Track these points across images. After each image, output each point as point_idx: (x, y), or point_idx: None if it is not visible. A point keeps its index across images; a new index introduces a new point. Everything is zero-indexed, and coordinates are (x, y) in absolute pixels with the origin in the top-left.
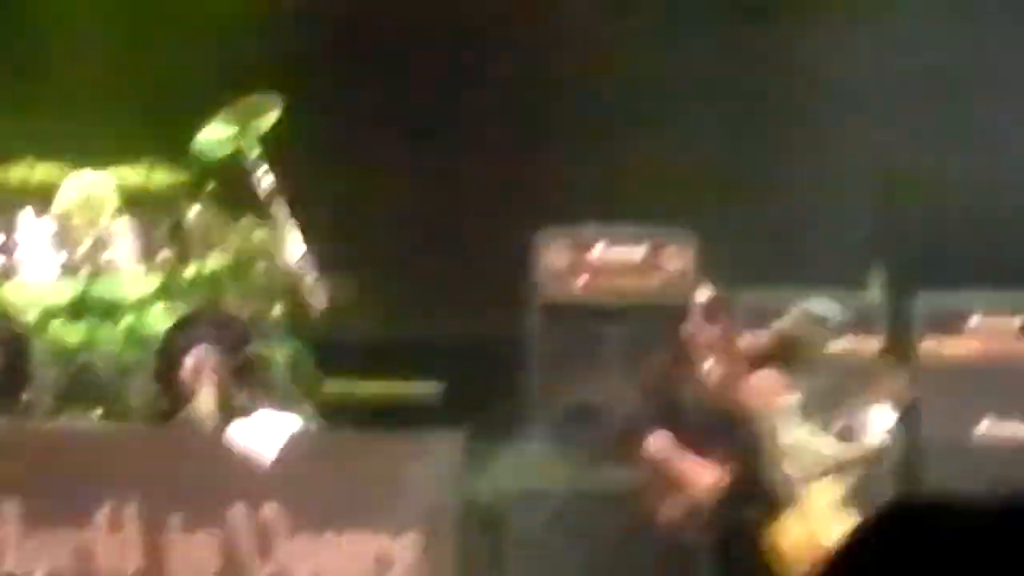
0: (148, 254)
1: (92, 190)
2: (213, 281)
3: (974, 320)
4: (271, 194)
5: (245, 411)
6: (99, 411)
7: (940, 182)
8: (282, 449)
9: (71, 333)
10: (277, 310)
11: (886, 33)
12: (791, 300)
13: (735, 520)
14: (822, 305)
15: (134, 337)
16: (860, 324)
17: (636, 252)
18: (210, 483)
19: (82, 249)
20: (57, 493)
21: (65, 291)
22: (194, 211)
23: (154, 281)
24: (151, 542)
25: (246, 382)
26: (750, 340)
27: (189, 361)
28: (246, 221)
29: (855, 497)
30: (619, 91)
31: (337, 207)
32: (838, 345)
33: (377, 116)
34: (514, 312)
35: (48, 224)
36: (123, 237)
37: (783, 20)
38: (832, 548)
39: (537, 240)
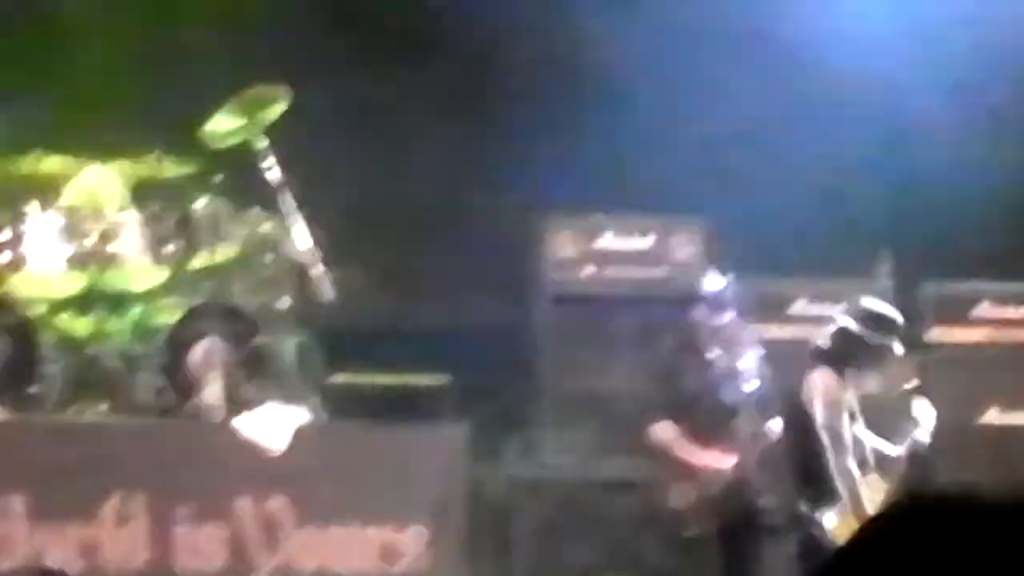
0: (156, 246)
1: (99, 183)
2: (221, 273)
3: (981, 308)
4: (279, 185)
5: (252, 403)
6: (106, 404)
7: (948, 171)
8: (289, 441)
9: (79, 326)
10: (285, 302)
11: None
12: (799, 288)
13: (743, 509)
14: (878, 304)
15: (142, 329)
16: None
17: (644, 241)
18: (217, 475)
19: (90, 241)
20: (65, 486)
21: (73, 284)
22: (201, 203)
23: (162, 273)
24: (158, 535)
25: (254, 374)
26: (811, 337)
27: (197, 353)
28: (254, 213)
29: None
30: (626, 79)
31: (344, 198)
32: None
33: (385, 106)
34: (522, 302)
35: (56, 217)
36: (130, 229)
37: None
38: (842, 544)
39: (545, 229)
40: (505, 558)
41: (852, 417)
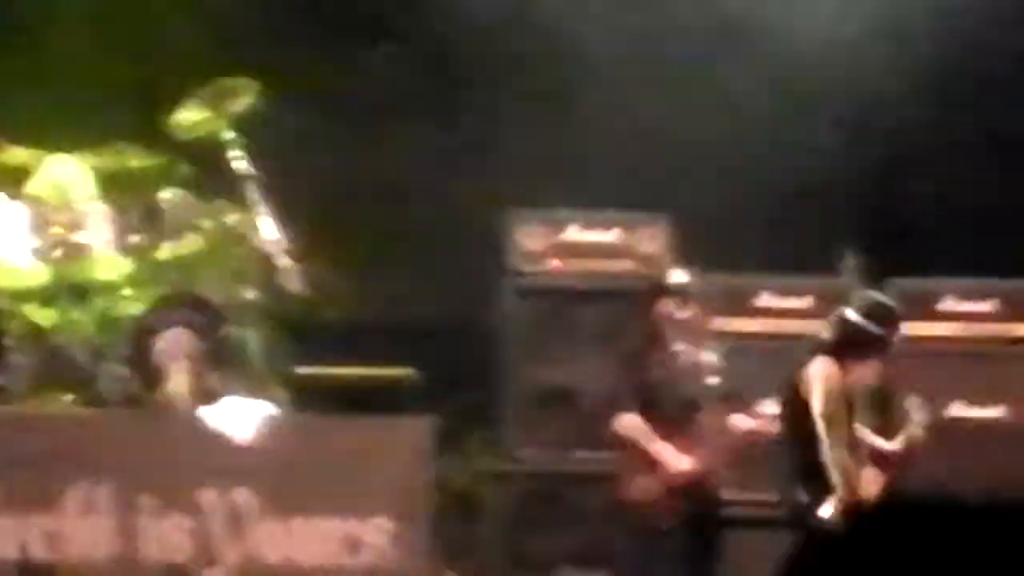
0: (122, 237)
1: (66, 174)
2: (187, 264)
3: (946, 303)
4: (245, 177)
5: (218, 394)
6: (72, 394)
7: (913, 167)
8: (254, 432)
9: (44, 316)
10: (251, 293)
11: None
12: (762, 283)
13: (707, 501)
14: (879, 295)
15: (108, 320)
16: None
17: (610, 235)
18: (182, 466)
19: (56, 233)
20: (29, 476)
21: (39, 275)
22: (168, 194)
23: (128, 264)
24: (123, 526)
25: (219, 365)
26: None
27: (162, 344)
28: (220, 204)
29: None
30: (592, 74)
31: (311, 190)
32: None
33: (351, 99)
34: (488, 295)
35: (21, 208)
36: (97, 220)
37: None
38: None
39: (511, 223)
40: (470, 551)
41: (851, 408)
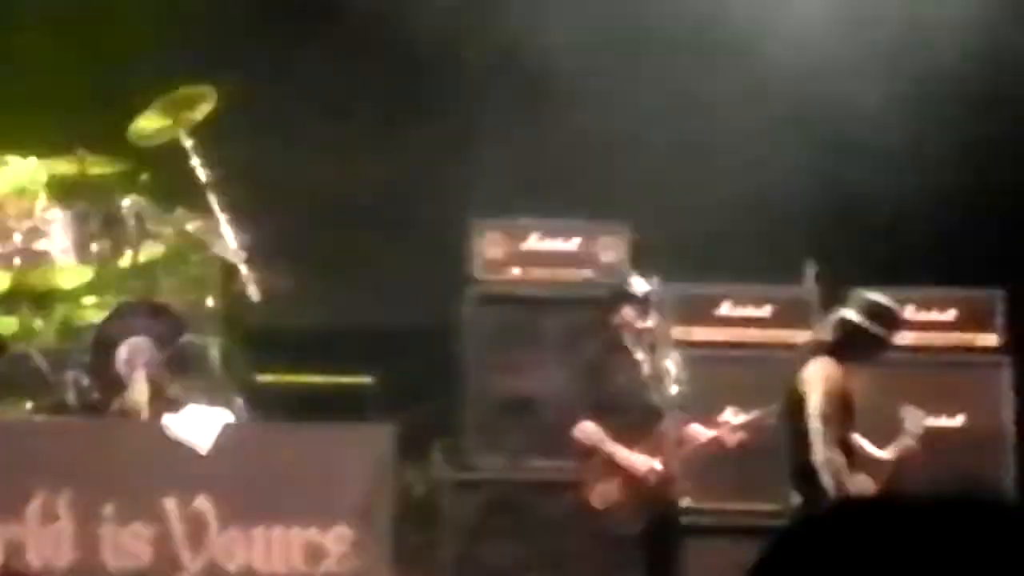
0: (82, 245)
1: (25, 181)
2: (147, 272)
3: (906, 314)
4: (205, 185)
5: (178, 402)
6: (32, 402)
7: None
8: (215, 440)
9: (4, 324)
10: (211, 301)
11: (830, 25)
12: (723, 292)
13: (668, 509)
14: (882, 297)
15: (68, 328)
16: (794, 318)
17: (570, 243)
18: (143, 474)
19: (16, 240)
20: None
21: None
22: (128, 202)
23: (88, 272)
24: (84, 534)
25: (180, 373)
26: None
27: (123, 352)
28: (180, 212)
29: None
30: (555, 83)
31: (271, 198)
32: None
33: (311, 106)
34: (449, 302)
35: None
36: (57, 228)
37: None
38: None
39: (472, 231)
40: (431, 559)
41: (848, 411)
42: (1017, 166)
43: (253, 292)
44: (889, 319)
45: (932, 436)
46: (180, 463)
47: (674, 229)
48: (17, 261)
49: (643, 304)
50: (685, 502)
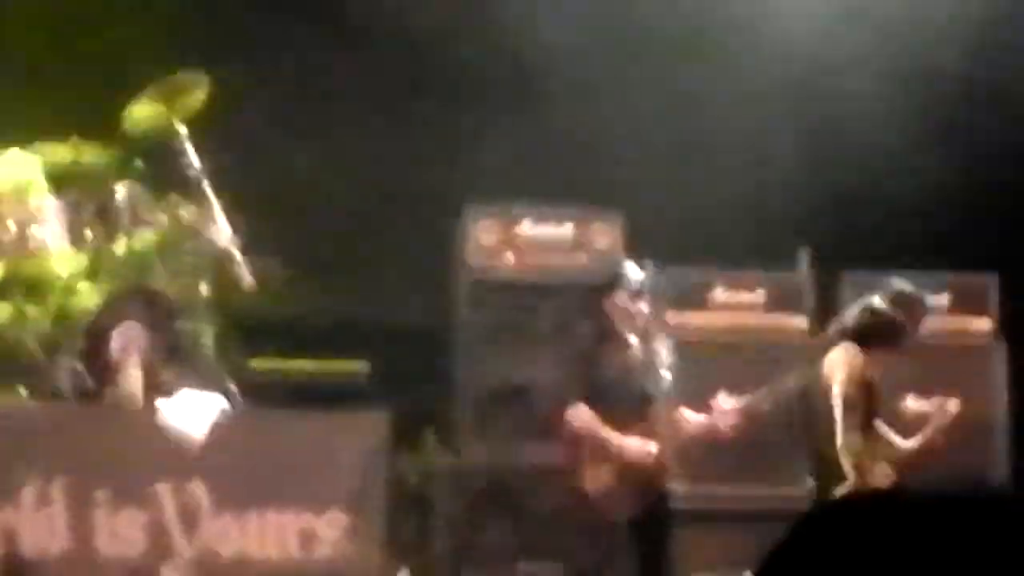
0: (76, 232)
1: (19, 169)
2: (141, 259)
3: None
4: (199, 172)
5: (172, 389)
6: (25, 389)
7: (868, 162)
8: (209, 427)
9: None
10: (204, 288)
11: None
12: (715, 278)
13: (659, 495)
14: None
15: (62, 315)
16: (786, 303)
17: (564, 230)
18: (136, 461)
19: (9, 228)
20: None
21: None
22: (122, 189)
23: (82, 259)
24: (77, 520)
25: (173, 360)
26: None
27: (116, 339)
28: (173, 199)
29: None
30: (547, 68)
31: (264, 185)
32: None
33: (306, 95)
34: (442, 289)
35: None
36: (50, 215)
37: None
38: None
39: (465, 218)
40: (424, 545)
41: (872, 398)
42: (1009, 153)
43: (247, 279)
44: (915, 308)
45: (924, 420)
46: (173, 449)
47: (667, 216)
48: (11, 249)
49: (636, 290)
50: (678, 487)
